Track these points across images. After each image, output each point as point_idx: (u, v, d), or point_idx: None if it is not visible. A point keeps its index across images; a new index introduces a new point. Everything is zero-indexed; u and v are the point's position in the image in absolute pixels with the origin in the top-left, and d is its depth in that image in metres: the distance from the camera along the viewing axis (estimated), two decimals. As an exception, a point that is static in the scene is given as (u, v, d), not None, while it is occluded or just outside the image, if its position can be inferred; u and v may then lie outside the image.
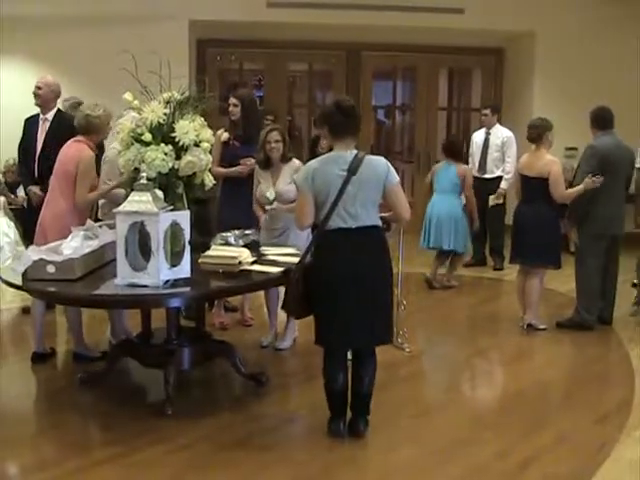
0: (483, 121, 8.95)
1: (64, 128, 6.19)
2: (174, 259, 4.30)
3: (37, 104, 6.52)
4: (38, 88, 6.45)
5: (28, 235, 6.24)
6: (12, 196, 7.60)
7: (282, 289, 4.76)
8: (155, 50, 4.94)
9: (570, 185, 6.41)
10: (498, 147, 8.71)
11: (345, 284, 4.05)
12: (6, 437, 4.28)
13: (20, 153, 6.78)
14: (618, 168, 6.26)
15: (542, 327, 6.41)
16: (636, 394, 5.04)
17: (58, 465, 3.92)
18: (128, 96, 4.74)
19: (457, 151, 8.02)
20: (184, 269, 4.38)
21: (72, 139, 5.39)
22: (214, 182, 5.11)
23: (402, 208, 4.22)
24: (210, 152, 4.91)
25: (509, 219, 7.09)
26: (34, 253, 4.45)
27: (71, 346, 5.58)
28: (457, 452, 4.20)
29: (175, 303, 4.59)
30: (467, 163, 8.47)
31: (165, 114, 4.66)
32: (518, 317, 6.56)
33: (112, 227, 4.62)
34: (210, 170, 5.03)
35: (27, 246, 5.45)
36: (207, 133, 4.81)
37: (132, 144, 4.67)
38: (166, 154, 4.58)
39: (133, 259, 4.21)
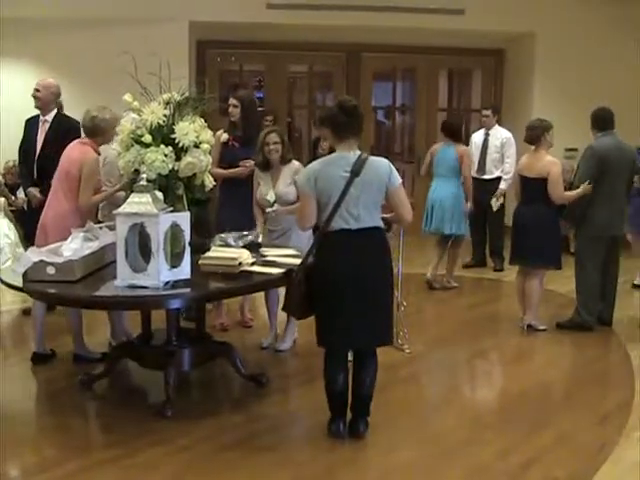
0: (483, 122, 8.95)
1: (63, 130, 6.20)
2: (174, 260, 4.30)
3: (37, 106, 6.52)
4: (37, 90, 6.44)
5: (28, 237, 6.24)
6: (12, 198, 7.59)
7: (282, 290, 4.76)
8: (155, 51, 4.95)
9: (570, 185, 6.41)
10: (497, 148, 8.71)
11: (347, 285, 4.06)
12: (6, 438, 4.27)
13: (20, 154, 6.79)
14: (618, 169, 6.25)
15: (542, 328, 6.42)
16: (636, 395, 5.04)
17: (59, 466, 3.92)
18: (128, 97, 4.74)
19: (456, 131, 7.99)
20: (184, 270, 4.38)
21: (76, 140, 5.39)
22: (214, 183, 5.11)
23: (404, 210, 4.23)
24: (209, 153, 4.91)
25: (508, 220, 7.09)
26: (34, 254, 4.45)
27: (71, 347, 5.58)
28: (458, 453, 4.20)
29: (175, 304, 4.59)
30: (466, 141, 8.41)
31: (165, 115, 4.67)
32: (518, 318, 6.56)
33: (112, 228, 4.62)
34: (209, 171, 5.04)
35: (27, 248, 5.45)
36: (207, 134, 4.81)
37: (132, 145, 4.67)
38: (166, 155, 4.59)
39: (133, 260, 4.22)
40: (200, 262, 4.67)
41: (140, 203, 4.21)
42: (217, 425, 4.47)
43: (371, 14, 9.95)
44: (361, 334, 4.14)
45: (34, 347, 5.48)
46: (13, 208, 7.28)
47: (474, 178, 8.57)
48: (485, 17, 10.07)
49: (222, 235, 5.12)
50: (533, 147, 6.31)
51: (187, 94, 4.82)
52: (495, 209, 8.52)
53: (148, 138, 4.61)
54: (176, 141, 4.63)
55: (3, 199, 7.11)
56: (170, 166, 4.60)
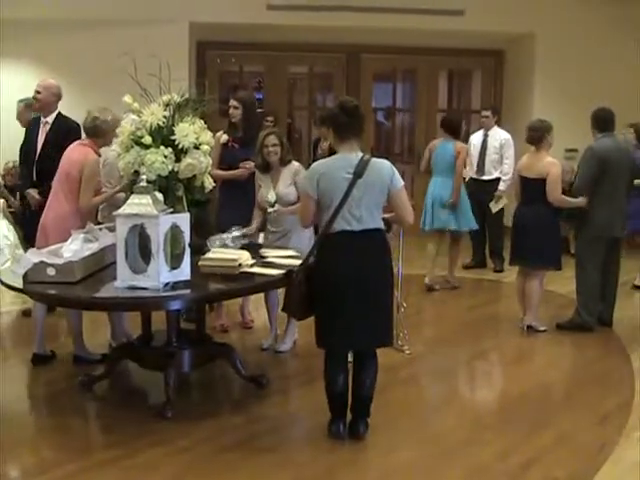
0: (483, 122, 8.95)
1: (64, 131, 6.20)
2: (174, 262, 4.30)
3: (37, 107, 6.51)
4: (37, 92, 6.42)
5: (27, 238, 6.24)
6: (12, 199, 7.60)
7: (281, 291, 4.76)
8: (155, 53, 4.95)
9: (571, 186, 6.42)
10: (496, 149, 8.71)
11: (348, 286, 4.06)
12: (6, 439, 4.27)
13: (21, 155, 6.79)
14: (618, 170, 6.25)
15: (542, 329, 6.41)
16: (636, 395, 5.04)
17: (59, 467, 3.92)
18: (128, 99, 4.75)
19: (455, 127, 7.99)
20: (184, 271, 4.38)
21: (77, 142, 5.39)
22: (213, 184, 5.11)
23: (406, 211, 4.24)
24: (209, 154, 4.91)
25: (508, 221, 7.09)
26: (34, 256, 4.45)
27: (71, 349, 5.58)
28: (458, 453, 4.20)
29: (175, 305, 4.59)
30: (465, 142, 8.41)
31: (165, 117, 4.67)
32: (518, 319, 6.56)
33: (112, 230, 4.62)
34: (209, 172, 5.04)
35: (26, 249, 5.45)
36: (207, 135, 4.81)
37: (132, 147, 4.67)
38: (166, 157, 4.59)
39: (133, 262, 4.22)
40: (200, 263, 4.68)
41: (140, 204, 4.21)
42: (217, 426, 4.47)
43: (371, 15, 9.95)
44: (361, 335, 4.15)
45: (34, 348, 5.48)
46: (12, 209, 7.29)
47: (473, 179, 8.59)
48: (485, 18, 10.08)
49: (222, 235, 5.12)
50: (534, 148, 6.31)
51: (187, 95, 4.83)
52: (494, 211, 8.53)
53: (148, 139, 4.61)
54: (176, 142, 4.64)
55: (2, 200, 7.11)
56: (170, 167, 4.60)
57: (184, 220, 4.41)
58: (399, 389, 5.15)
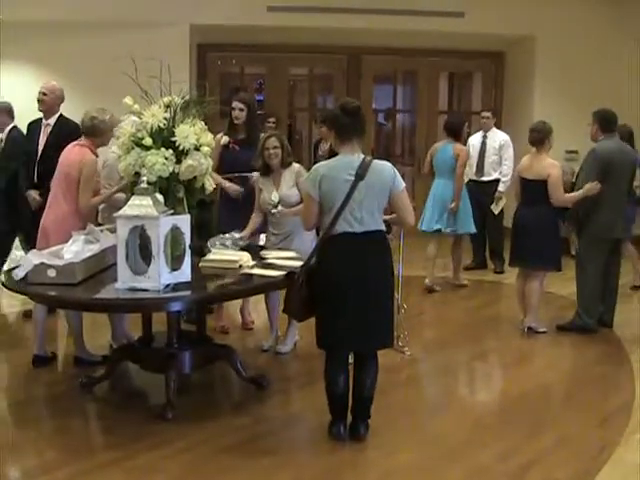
0: (483, 124, 8.94)
1: (65, 133, 6.20)
2: (175, 263, 4.30)
3: (41, 109, 6.53)
4: (44, 94, 6.45)
5: (27, 239, 6.25)
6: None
7: (282, 292, 4.76)
8: (156, 55, 4.95)
9: (572, 188, 6.41)
10: (496, 150, 8.72)
11: (348, 287, 4.07)
12: (7, 441, 4.28)
13: (22, 159, 6.79)
14: (620, 172, 6.26)
15: (542, 330, 6.41)
16: (636, 397, 5.04)
17: (59, 469, 3.93)
18: (129, 100, 4.75)
19: (456, 130, 7.99)
20: (185, 273, 4.39)
21: (73, 143, 5.40)
22: (214, 186, 5.12)
23: (407, 213, 4.25)
24: (210, 156, 4.92)
25: (507, 222, 7.09)
26: (35, 257, 4.45)
27: (72, 350, 5.58)
28: (458, 455, 4.20)
29: (176, 307, 4.59)
30: (465, 144, 8.42)
31: (165, 118, 4.67)
32: (518, 320, 6.56)
33: (113, 231, 4.63)
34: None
35: (27, 250, 5.45)
36: (207, 137, 4.82)
37: (132, 148, 4.68)
38: (166, 158, 4.59)
39: (134, 263, 4.22)
40: (201, 265, 4.68)
41: (141, 206, 4.21)
42: (218, 427, 4.47)
43: (372, 17, 9.96)
44: (362, 336, 4.15)
45: (35, 350, 5.48)
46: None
47: (473, 180, 8.59)
48: (485, 20, 10.08)
49: (221, 236, 5.13)
50: (534, 149, 6.31)
51: (188, 97, 4.83)
52: (496, 213, 8.56)
53: (149, 141, 4.62)
54: (177, 144, 4.64)
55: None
56: (170, 169, 4.61)
57: (185, 221, 4.41)
58: (399, 390, 5.15)
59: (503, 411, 4.96)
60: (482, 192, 8.50)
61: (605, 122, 6.31)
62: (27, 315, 6.47)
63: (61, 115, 6.56)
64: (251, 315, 6.55)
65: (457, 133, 7.94)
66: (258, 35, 10.53)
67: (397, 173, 4.19)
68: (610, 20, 10.21)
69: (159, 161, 4.56)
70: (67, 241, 4.73)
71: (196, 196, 4.88)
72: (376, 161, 4.15)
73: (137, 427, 4.43)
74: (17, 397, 5.06)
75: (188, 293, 4.41)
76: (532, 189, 6.23)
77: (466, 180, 8.26)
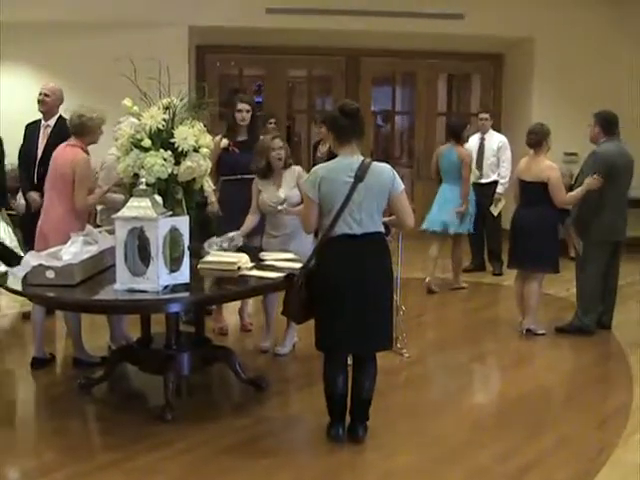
0: (482, 125, 8.94)
1: (65, 134, 6.18)
2: (173, 264, 4.30)
3: (41, 111, 6.53)
4: (45, 95, 6.46)
5: (27, 241, 6.24)
6: (14, 202, 7.59)
7: (280, 294, 4.76)
8: (155, 56, 4.95)
9: (570, 190, 6.41)
10: (494, 152, 8.73)
11: (347, 289, 4.07)
12: (6, 442, 4.28)
13: (20, 159, 6.80)
14: (622, 175, 6.27)
15: (541, 332, 6.41)
16: (635, 398, 5.04)
17: (58, 470, 3.92)
18: (127, 102, 4.75)
19: (457, 132, 8.01)
20: (183, 274, 4.39)
21: (63, 144, 5.41)
22: (213, 187, 5.12)
23: (406, 215, 4.24)
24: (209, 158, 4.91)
25: (506, 224, 7.09)
26: (33, 258, 4.45)
27: (71, 352, 5.58)
28: (457, 456, 4.20)
29: (174, 308, 4.59)
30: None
31: (164, 120, 4.67)
32: (517, 322, 6.56)
33: (111, 233, 4.63)
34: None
35: (26, 252, 5.44)
36: (206, 139, 4.82)
37: (131, 150, 4.68)
38: (165, 160, 4.59)
39: (132, 264, 4.22)
40: (199, 266, 4.68)
41: (139, 207, 4.22)
42: (217, 429, 4.47)
43: (370, 19, 9.96)
44: (361, 338, 4.15)
45: (33, 352, 5.47)
46: (12, 212, 7.28)
47: (472, 182, 8.58)
48: (484, 22, 10.08)
49: (218, 239, 5.13)
50: (532, 151, 6.31)
51: (186, 99, 4.83)
52: (495, 214, 8.57)
53: (147, 142, 4.62)
54: (175, 145, 4.64)
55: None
56: (169, 170, 4.60)
57: (183, 223, 4.41)
58: (398, 392, 5.15)
59: (502, 413, 4.96)
60: (481, 194, 8.49)
61: (607, 124, 6.30)
62: (26, 316, 6.47)
63: (60, 116, 6.55)
64: (250, 317, 6.54)
65: (458, 135, 7.95)
66: (257, 37, 10.54)
67: (396, 175, 4.19)
68: (609, 21, 10.22)
69: (158, 162, 4.56)
70: (66, 242, 4.72)
71: (195, 197, 4.88)
72: (375, 163, 4.15)
73: (136, 428, 4.43)
74: (16, 398, 5.06)
75: (187, 294, 4.42)
76: (530, 191, 6.23)
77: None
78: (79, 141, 5.30)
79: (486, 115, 8.98)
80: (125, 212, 4.24)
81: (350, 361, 4.32)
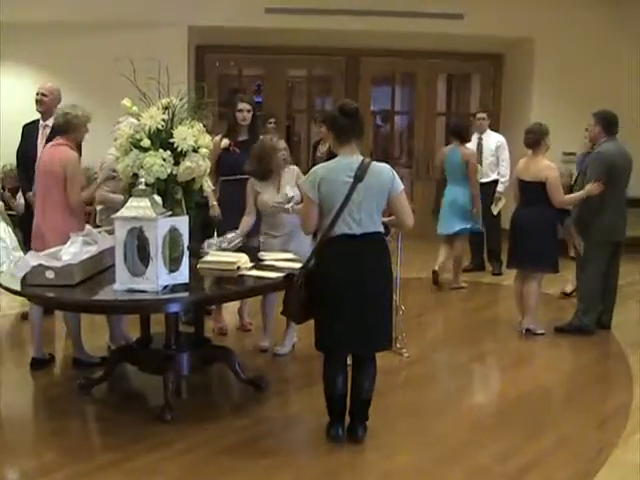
0: (480, 125, 8.92)
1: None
2: (173, 264, 4.30)
3: (39, 111, 6.54)
4: (44, 95, 6.47)
5: (27, 241, 6.24)
6: (14, 201, 7.61)
7: (280, 294, 4.76)
8: (154, 56, 4.95)
9: (570, 190, 6.41)
10: (492, 151, 8.74)
11: (347, 289, 4.07)
12: (6, 443, 4.29)
13: (19, 159, 6.80)
14: (622, 175, 6.27)
15: (540, 332, 6.41)
16: (635, 398, 5.05)
17: (58, 470, 3.92)
18: (127, 102, 4.75)
19: (459, 132, 8.04)
20: (183, 274, 4.38)
21: (50, 144, 5.41)
22: (212, 187, 5.11)
23: (405, 215, 4.24)
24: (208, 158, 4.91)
25: (506, 223, 7.09)
26: (33, 258, 4.45)
27: (70, 352, 5.58)
28: (456, 456, 4.20)
29: (174, 308, 4.59)
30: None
31: (164, 120, 4.67)
32: (516, 322, 6.56)
33: (111, 233, 4.63)
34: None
35: (26, 252, 5.45)
36: (205, 139, 4.81)
37: (130, 150, 4.67)
38: (164, 160, 4.59)
39: (132, 264, 4.22)
40: (199, 266, 4.68)
41: (139, 207, 4.21)
42: (216, 429, 4.47)
43: (370, 18, 9.96)
44: (360, 338, 4.15)
45: (33, 352, 5.47)
46: (12, 212, 7.29)
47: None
48: (484, 22, 10.08)
49: (217, 240, 5.13)
50: (531, 151, 6.31)
51: (186, 99, 4.83)
52: (495, 213, 8.57)
53: (147, 142, 4.61)
54: (175, 145, 4.64)
55: (1, 203, 7.11)
56: (169, 170, 4.60)
57: (183, 223, 4.41)
58: (398, 392, 5.15)
59: (502, 413, 4.96)
60: (481, 193, 8.48)
61: (608, 124, 6.31)
62: (25, 317, 6.46)
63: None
64: (249, 317, 6.54)
65: (460, 135, 7.97)
66: (256, 37, 10.53)
67: (396, 175, 4.19)
68: (609, 21, 10.22)
69: (157, 162, 4.55)
70: (64, 241, 4.72)
71: (194, 198, 4.87)
72: (375, 163, 4.15)
73: (136, 429, 4.43)
74: (15, 399, 5.05)
75: (186, 294, 4.42)
76: (530, 191, 6.24)
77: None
78: (65, 139, 5.31)
79: (484, 115, 8.98)
80: (124, 212, 4.24)
81: (350, 361, 4.32)
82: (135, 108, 4.74)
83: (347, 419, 4.31)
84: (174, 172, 4.64)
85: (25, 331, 6.18)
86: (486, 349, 6.33)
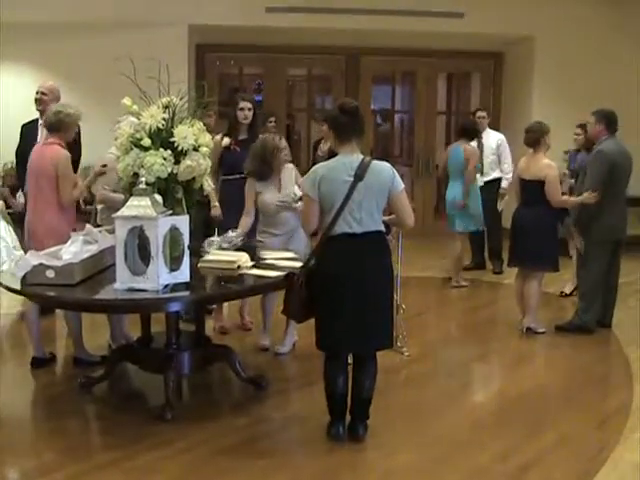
0: (480, 123, 8.91)
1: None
2: (173, 263, 4.30)
3: (39, 109, 6.53)
4: (43, 94, 6.47)
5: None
6: (14, 200, 7.59)
7: (280, 293, 4.76)
8: (154, 55, 4.95)
9: (571, 189, 6.41)
10: (493, 150, 8.75)
11: (347, 288, 4.07)
12: (6, 442, 4.29)
13: (18, 158, 6.80)
14: (622, 174, 6.27)
15: (541, 331, 6.41)
16: (635, 397, 5.04)
17: (58, 470, 3.93)
18: (127, 101, 4.75)
19: (464, 130, 8.11)
20: (183, 273, 4.39)
21: (40, 143, 5.41)
22: (212, 187, 5.11)
23: (406, 214, 4.24)
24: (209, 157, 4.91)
25: (507, 222, 7.09)
26: (33, 258, 4.45)
27: (71, 351, 5.58)
28: (457, 455, 4.20)
29: (174, 307, 4.59)
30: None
31: (164, 119, 4.67)
32: (517, 321, 6.56)
33: (111, 232, 4.63)
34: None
35: (26, 251, 5.45)
36: (206, 138, 4.81)
37: (131, 149, 4.67)
38: (165, 159, 4.58)
39: (132, 264, 4.22)
40: (199, 265, 4.68)
41: (139, 206, 4.21)
42: (217, 428, 4.47)
43: (370, 17, 9.95)
44: (361, 338, 4.15)
45: (33, 352, 5.47)
46: (12, 211, 7.28)
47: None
48: (484, 20, 10.07)
49: (217, 239, 5.13)
50: (531, 150, 6.31)
51: (186, 98, 4.83)
52: (500, 209, 8.59)
53: (147, 142, 4.61)
54: (175, 144, 4.64)
55: (1, 202, 7.11)
56: (169, 169, 4.60)
57: (183, 222, 4.41)
58: (398, 391, 5.15)
59: (502, 412, 4.96)
60: (482, 192, 8.48)
61: (609, 122, 6.31)
62: (23, 316, 6.46)
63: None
64: (250, 315, 6.54)
65: (465, 132, 8.02)
66: (257, 36, 10.53)
67: (396, 174, 4.19)
68: (610, 20, 10.22)
69: (157, 162, 4.55)
70: (59, 240, 4.73)
71: (194, 196, 4.87)
72: (375, 162, 4.15)
73: (136, 428, 4.43)
74: (15, 398, 5.05)
75: (187, 293, 4.42)
76: (530, 190, 6.23)
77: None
78: (56, 138, 5.32)
79: (484, 113, 8.98)
80: (125, 211, 4.24)
81: (350, 360, 4.32)
82: (135, 107, 4.74)
83: (348, 418, 4.31)
84: (174, 171, 4.63)
85: (25, 330, 6.18)
86: (487, 348, 6.32)
